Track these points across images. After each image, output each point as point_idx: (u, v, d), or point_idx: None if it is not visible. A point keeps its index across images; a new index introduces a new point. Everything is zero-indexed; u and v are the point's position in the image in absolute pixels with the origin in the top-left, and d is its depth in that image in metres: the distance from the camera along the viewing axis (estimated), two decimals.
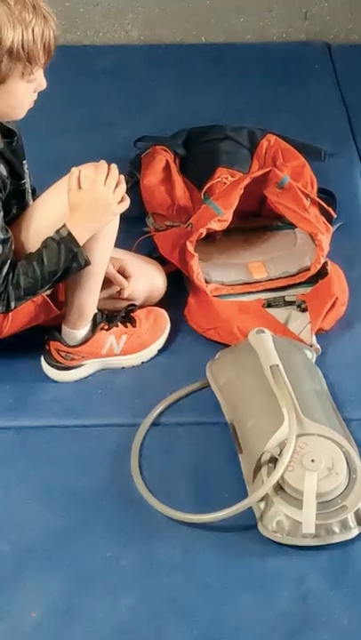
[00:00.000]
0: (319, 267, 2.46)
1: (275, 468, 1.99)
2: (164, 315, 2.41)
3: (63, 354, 2.32)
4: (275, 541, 1.98)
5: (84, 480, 2.13)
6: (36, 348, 2.34)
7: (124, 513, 2.07)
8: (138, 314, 2.39)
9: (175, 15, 3.56)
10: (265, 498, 1.99)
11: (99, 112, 3.18)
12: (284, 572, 1.95)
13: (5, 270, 2.07)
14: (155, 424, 2.24)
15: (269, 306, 2.45)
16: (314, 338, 2.35)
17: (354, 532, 1.97)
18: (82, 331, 2.30)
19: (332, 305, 2.40)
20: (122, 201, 2.14)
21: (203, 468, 2.15)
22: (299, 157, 2.78)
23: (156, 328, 2.39)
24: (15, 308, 2.12)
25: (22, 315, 2.19)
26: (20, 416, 2.27)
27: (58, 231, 2.09)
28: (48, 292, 2.21)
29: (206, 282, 2.47)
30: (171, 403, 2.27)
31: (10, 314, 2.16)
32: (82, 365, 2.34)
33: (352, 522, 1.97)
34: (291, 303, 2.46)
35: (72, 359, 2.32)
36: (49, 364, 2.34)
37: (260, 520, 2.00)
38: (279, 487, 2.00)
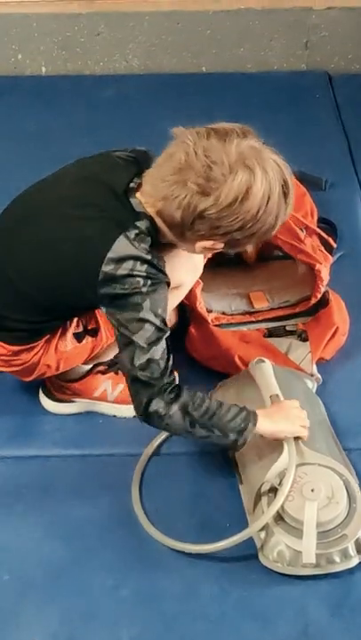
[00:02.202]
0: (320, 296, 2.50)
1: (275, 497, 2.02)
2: None
3: (56, 385, 2.35)
4: (275, 571, 2.01)
5: (85, 509, 2.16)
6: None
7: (125, 543, 2.10)
8: None
9: (176, 45, 3.61)
10: (265, 528, 2.03)
11: (99, 141, 3.17)
12: (285, 602, 1.98)
13: (170, 363, 2.03)
14: (155, 454, 2.27)
15: (270, 335, 2.50)
16: (315, 367, 2.39)
17: (355, 561, 2.01)
18: (79, 367, 2.32)
19: (333, 334, 2.44)
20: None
21: (203, 498, 2.19)
22: (299, 187, 2.81)
23: None
24: (172, 414, 2.01)
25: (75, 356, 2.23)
26: (21, 445, 2.31)
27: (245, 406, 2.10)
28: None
29: (208, 311, 2.51)
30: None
31: (65, 355, 2.19)
32: (73, 402, 2.36)
33: (352, 550, 2.01)
34: (292, 333, 2.51)
35: (63, 393, 2.35)
36: (43, 392, 2.38)
37: (261, 550, 2.04)
38: (279, 517, 2.03)
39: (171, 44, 3.62)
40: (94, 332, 2.20)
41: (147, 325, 1.97)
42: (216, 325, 2.50)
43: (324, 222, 2.79)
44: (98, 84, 3.57)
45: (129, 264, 1.95)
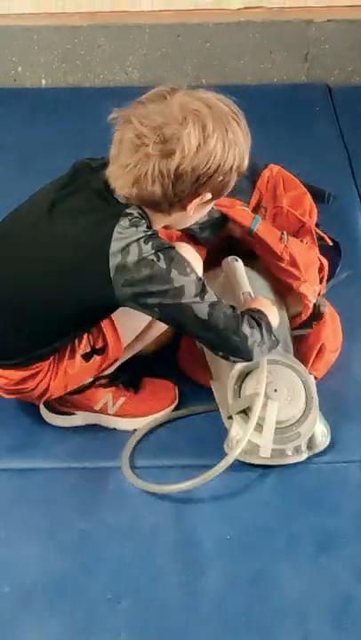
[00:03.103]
0: (309, 312, 2.46)
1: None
2: (171, 391, 2.42)
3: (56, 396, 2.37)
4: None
5: (85, 522, 2.18)
6: None
7: (125, 554, 2.12)
8: (146, 381, 2.41)
9: (176, 57, 3.65)
10: (230, 420, 2.23)
11: (99, 153, 3.20)
12: (285, 612, 2.00)
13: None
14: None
15: None
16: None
17: (304, 456, 2.24)
18: None
19: (320, 351, 2.44)
20: None
21: None
22: (300, 187, 2.80)
23: (157, 402, 2.40)
24: (265, 336, 2.13)
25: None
26: (22, 458, 2.33)
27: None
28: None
29: None
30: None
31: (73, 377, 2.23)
32: (73, 414, 2.39)
33: (304, 446, 2.23)
34: None
35: (64, 405, 2.37)
36: (44, 404, 2.39)
37: (225, 440, 2.23)
38: (243, 412, 2.17)
39: (171, 56, 3.65)
40: (102, 351, 2.22)
41: (186, 286, 2.02)
42: None
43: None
44: (98, 97, 3.58)
45: (134, 249, 1.99)
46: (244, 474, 2.25)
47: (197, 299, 2.03)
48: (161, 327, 2.29)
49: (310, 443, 2.24)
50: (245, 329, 2.09)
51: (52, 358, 2.19)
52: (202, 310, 2.04)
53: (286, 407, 2.22)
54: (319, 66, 3.68)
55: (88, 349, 2.20)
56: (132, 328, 2.22)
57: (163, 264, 2.00)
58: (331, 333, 2.49)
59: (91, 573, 2.09)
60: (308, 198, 2.78)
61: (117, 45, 3.64)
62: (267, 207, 2.69)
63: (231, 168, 2.05)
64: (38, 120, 3.48)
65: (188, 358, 2.47)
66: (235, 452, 2.16)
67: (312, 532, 2.14)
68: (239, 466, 2.25)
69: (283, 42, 3.64)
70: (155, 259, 1.99)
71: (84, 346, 2.20)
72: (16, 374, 2.19)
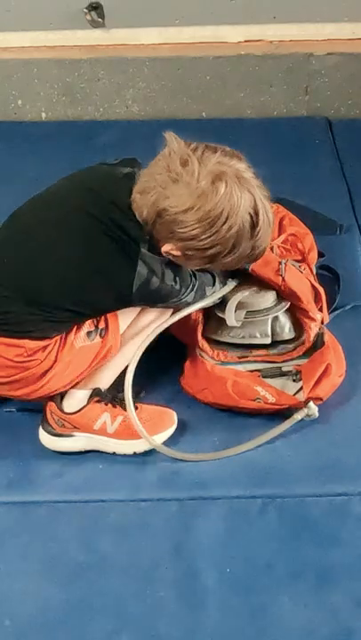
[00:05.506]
0: (312, 339, 2.54)
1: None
2: (171, 415, 2.45)
3: (56, 418, 2.40)
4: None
5: (85, 555, 2.21)
6: (38, 422, 2.44)
7: (125, 587, 2.14)
8: (144, 406, 2.44)
9: (176, 90, 3.70)
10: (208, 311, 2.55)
11: None
12: None
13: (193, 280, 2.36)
14: None
15: (265, 376, 2.55)
16: (312, 404, 2.43)
17: (268, 340, 2.54)
18: (81, 392, 2.40)
19: (325, 371, 2.48)
20: None
21: None
22: (304, 228, 2.83)
23: (156, 423, 2.42)
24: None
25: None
26: (20, 491, 2.36)
27: None
28: None
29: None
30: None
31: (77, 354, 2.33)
32: (72, 436, 2.42)
33: (269, 332, 2.54)
34: (286, 374, 2.56)
35: (63, 426, 2.40)
36: (43, 428, 2.43)
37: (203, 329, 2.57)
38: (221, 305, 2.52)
39: (171, 89, 3.70)
40: (103, 332, 2.34)
41: (188, 296, 2.34)
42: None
43: (327, 270, 2.84)
44: (98, 130, 3.65)
45: (158, 269, 2.20)
46: (243, 507, 2.29)
47: (191, 295, 2.35)
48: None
49: (277, 330, 2.55)
50: (208, 290, 2.41)
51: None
52: (190, 298, 2.35)
53: (255, 296, 2.53)
54: (319, 99, 3.72)
55: (92, 327, 2.33)
56: (130, 312, 2.37)
57: (178, 286, 2.27)
58: (334, 359, 2.53)
59: (91, 606, 2.11)
60: (310, 239, 2.82)
61: (117, 79, 3.68)
62: None
63: (207, 254, 2.19)
64: (39, 153, 3.52)
65: (192, 382, 2.54)
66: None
67: (313, 565, 2.16)
68: (239, 499, 2.29)
69: (283, 75, 3.68)
70: (173, 284, 2.25)
71: (88, 324, 2.33)
72: (32, 344, 2.28)
